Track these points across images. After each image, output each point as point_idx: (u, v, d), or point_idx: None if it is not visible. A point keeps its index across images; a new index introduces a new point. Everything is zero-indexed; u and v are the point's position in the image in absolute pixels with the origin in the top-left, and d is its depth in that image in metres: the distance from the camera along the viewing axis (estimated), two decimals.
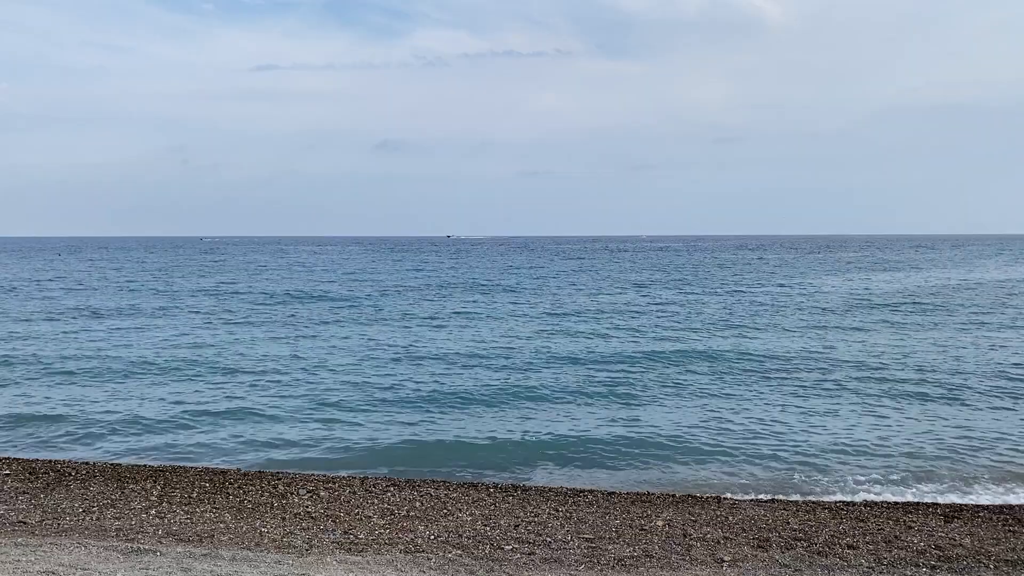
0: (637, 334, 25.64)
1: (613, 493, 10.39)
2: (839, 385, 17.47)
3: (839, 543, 8.06)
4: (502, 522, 8.77)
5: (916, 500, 10.29)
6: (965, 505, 9.94)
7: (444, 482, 10.84)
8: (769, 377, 18.41)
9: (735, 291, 42.79)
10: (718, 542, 8.08)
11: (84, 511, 9.04)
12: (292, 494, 9.91)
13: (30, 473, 10.86)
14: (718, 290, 43.62)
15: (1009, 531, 8.68)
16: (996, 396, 16.38)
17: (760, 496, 10.45)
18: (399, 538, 8.09)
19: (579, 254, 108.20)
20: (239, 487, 10.25)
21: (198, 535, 8.12)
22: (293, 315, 31.74)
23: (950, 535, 8.43)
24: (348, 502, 9.60)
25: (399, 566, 7.03)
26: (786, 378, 18.27)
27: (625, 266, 72.90)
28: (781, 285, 47.00)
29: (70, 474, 10.86)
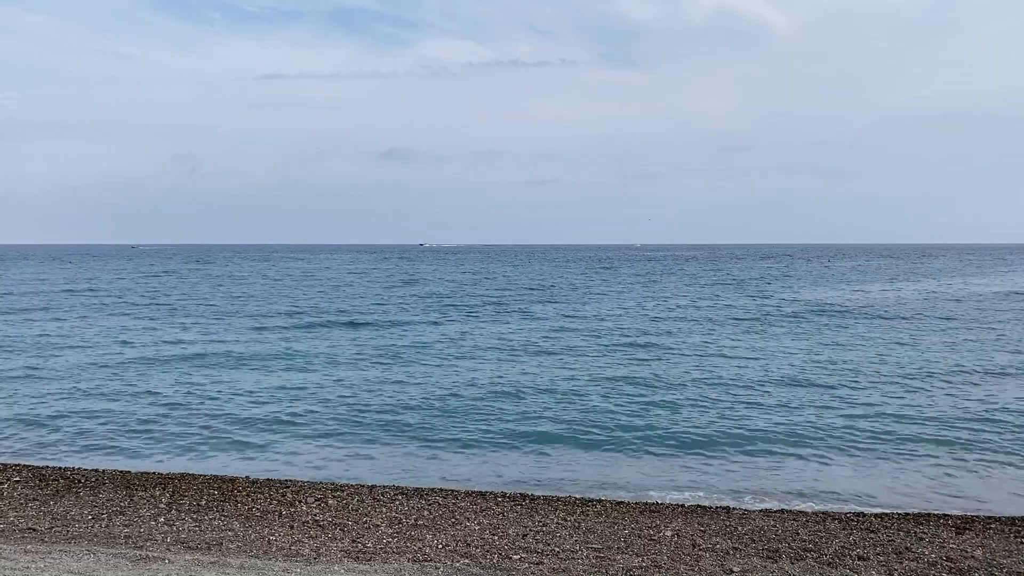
0: (642, 337, 25.63)
1: (621, 503, 10.35)
2: (850, 394, 17.39)
3: (849, 554, 8.01)
4: (510, 531, 8.75)
5: (927, 511, 10.22)
6: (977, 516, 9.85)
7: (452, 491, 10.81)
8: (780, 386, 18.34)
9: (747, 297, 42.71)
10: (727, 553, 8.03)
11: (93, 518, 9.06)
12: (300, 502, 9.92)
13: (40, 480, 10.89)
14: (734, 295, 43.55)
15: (1021, 543, 8.61)
16: (1013, 407, 16.27)
17: (770, 507, 10.39)
18: (407, 547, 8.08)
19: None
20: (247, 495, 10.26)
21: (206, 543, 8.12)
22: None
23: (962, 547, 8.36)
24: (356, 510, 9.59)
25: (407, 575, 7.02)
26: (798, 387, 18.19)
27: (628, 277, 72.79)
28: (796, 291, 46.92)
29: (80, 481, 10.88)
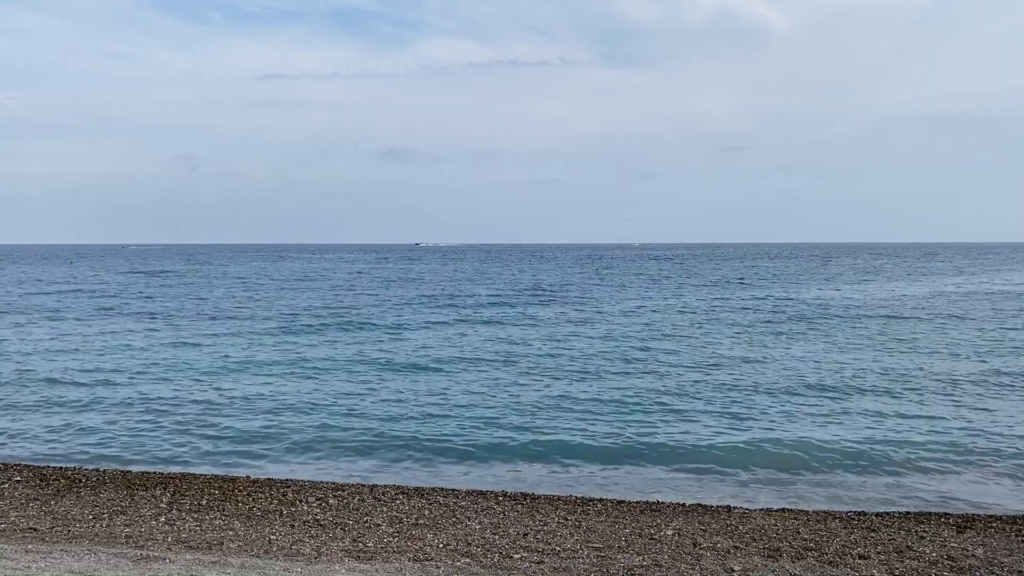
0: (642, 338, 25.62)
1: (622, 502, 10.35)
2: (850, 395, 17.39)
3: (850, 553, 8.01)
4: (511, 530, 8.75)
5: (928, 510, 10.22)
6: (978, 515, 9.85)
7: (453, 490, 10.81)
8: (780, 386, 18.34)
9: (755, 298, 42.69)
10: (728, 552, 8.03)
11: (94, 518, 9.06)
12: (301, 502, 9.92)
13: (41, 479, 10.90)
14: (734, 295, 43.52)
15: (1022, 541, 8.61)
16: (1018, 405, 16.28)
17: (770, 505, 10.39)
18: (408, 546, 8.08)
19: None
20: (248, 494, 10.26)
21: (207, 542, 8.12)
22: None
23: (963, 545, 8.36)
24: (357, 510, 9.59)
25: (408, 574, 7.02)
26: (799, 387, 18.19)
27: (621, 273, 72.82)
28: (792, 292, 46.91)
29: (81, 481, 10.89)
